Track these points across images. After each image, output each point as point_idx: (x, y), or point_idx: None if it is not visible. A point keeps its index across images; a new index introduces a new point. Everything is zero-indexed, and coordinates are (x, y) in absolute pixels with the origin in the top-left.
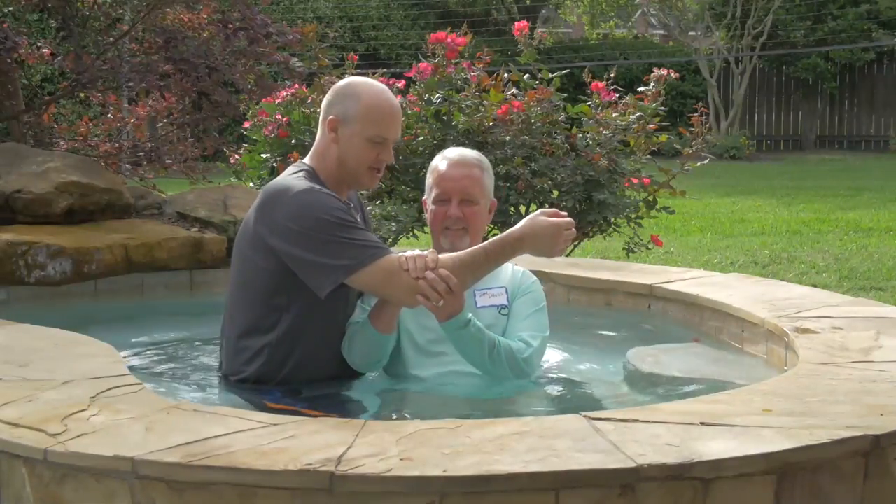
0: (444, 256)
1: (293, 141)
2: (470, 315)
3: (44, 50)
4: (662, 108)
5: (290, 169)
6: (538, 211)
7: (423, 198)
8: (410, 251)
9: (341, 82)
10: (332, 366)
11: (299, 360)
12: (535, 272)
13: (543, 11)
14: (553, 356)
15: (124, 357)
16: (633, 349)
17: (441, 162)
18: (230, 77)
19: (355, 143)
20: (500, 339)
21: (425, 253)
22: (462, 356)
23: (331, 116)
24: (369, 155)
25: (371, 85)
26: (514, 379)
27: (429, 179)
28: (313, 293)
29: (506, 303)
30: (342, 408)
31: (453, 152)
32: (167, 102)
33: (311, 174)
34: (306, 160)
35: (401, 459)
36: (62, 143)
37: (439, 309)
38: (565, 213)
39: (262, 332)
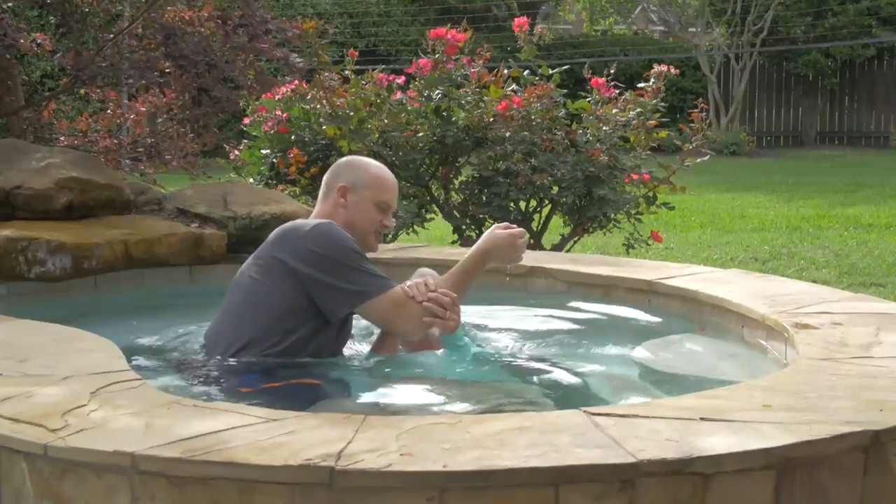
0: (439, 279)
1: (293, 137)
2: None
3: (43, 43)
4: (662, 104)
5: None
6: (493, 226)
7: None
8: (409, 281)
9: (343, 159)
10: None
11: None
12: (536, 268)
13: (543, 7)
14: (552, 352)
15: (124, 352)
16: (637, 346)
17: None
18: (230, 73)
19: (365, 208)
20: None
21: (420, 279)
22: None
23: (341, 183)
24: (376, 219)
25: (373, 161)
26: None
27: None
28: (319, 321)
29: None
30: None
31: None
32: (167, 98)
33: None
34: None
35: (401, 454)
36: (62, 138)
37: (446, 323)
38: (515, 226)
39: (260, 350)
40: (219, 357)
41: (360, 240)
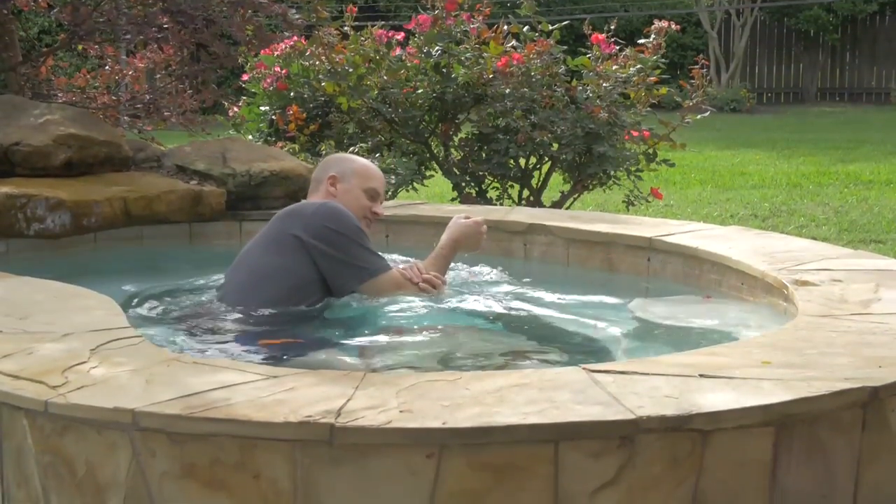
0: (423, 264)
1: (292, 94)
2: None
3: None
4: (663, 60)
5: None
6: (454, 217)
7: None
8: (402, 265)
9: (330, 155)
10: None
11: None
12: (535, 225)
13: None
14: (552, 309)
15: (123, 309)
16: (635, 300)
17: None
18: (228, 29)
19: (355, 195)
20: None
21: (410, 264)
22: None
23: (331, 173)
24: (366, 206)
25: (357, 156)
26: None
27: None
28: (325, 296)
29: None
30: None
31: None
32: (165, 54)
33: None
34: None
35: (400, 411)
36: (60, 95)
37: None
38: (472, 215)
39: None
40: (220, 314)
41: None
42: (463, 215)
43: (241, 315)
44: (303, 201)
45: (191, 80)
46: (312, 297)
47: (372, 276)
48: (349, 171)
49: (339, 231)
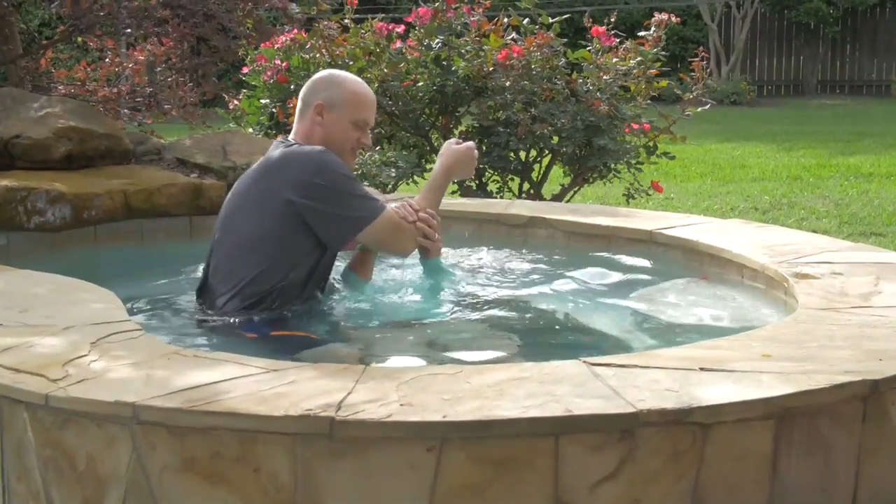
0: (417, 199)
1: (292, 86)
2: None
3: None
4: (663, 53)
5: (284, 143)
6: (446, 143)
7: None
8: (395, 204)
9: (321, 73)
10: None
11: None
12: (536, 218)
13: None
14: (552, 302)
15: (124, 303)
16: (635, 292)
17: None
18: (228, 24)
19: (342, 126)
20: None
21: (403, 202)
22: None
23: (317, 101)
24: (353, 137)
25: (351, 76)
26: None
27: None
28: (320, 250)
29: None
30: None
31: None
32: (165, 47)
33: None
34: (290, 139)
35: (401, 405)
36: (60, 88)
37: (435, 246)
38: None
39: (268, 285)
40: (221, 302)
41: (337, 157)
42: (454, 141)
43: (238, 303)
44: (286, 150)
45: (191, 73)
46: (309, 254)
47: (368, 222)
48: (338, 100)
49: (331, 187)
